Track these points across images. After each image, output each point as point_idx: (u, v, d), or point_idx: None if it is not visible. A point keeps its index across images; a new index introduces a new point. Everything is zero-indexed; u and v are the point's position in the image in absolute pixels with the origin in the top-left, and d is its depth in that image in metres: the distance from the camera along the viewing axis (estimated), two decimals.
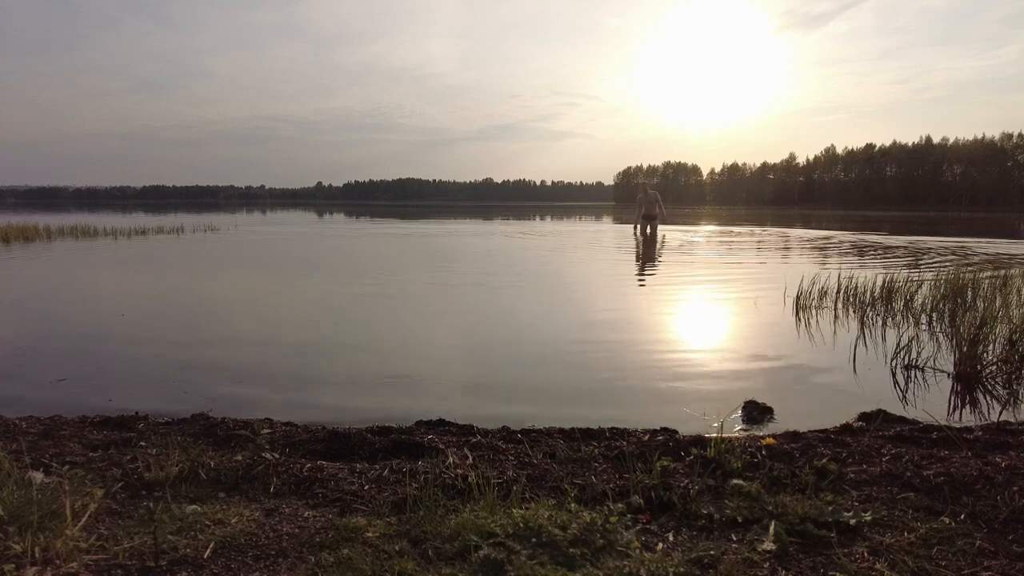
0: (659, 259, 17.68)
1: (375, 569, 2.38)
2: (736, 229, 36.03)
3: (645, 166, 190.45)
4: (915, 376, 5.78)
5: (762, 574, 2.36)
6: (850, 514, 2.75)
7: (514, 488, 3.07)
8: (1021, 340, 5.87)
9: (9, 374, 5.83)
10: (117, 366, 6.14)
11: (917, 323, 8.13)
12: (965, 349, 5.71)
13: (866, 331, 7.78)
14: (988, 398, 5.20)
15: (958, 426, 4.23)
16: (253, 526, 2.74)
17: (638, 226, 24.01)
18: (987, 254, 18.00)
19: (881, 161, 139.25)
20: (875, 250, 20.22)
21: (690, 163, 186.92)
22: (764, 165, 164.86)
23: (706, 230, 35.23)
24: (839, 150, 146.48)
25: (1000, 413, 4.76)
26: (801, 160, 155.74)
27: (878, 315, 8.65)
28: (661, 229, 24.89)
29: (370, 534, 2.65)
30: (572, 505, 2.83)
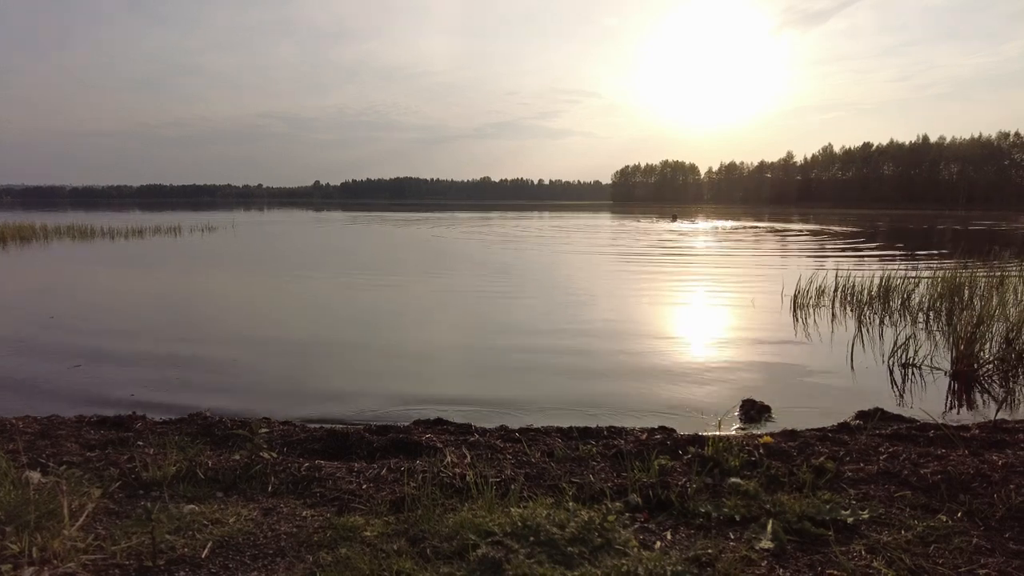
0: (657, 252, 17.71)
1: (373, 568, 2.38)
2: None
3: (643, 165, 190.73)
4: (912, 374, 5.80)
5: (760, 572, 2.36)
6: (847, 512, 2.76)
7: (512, 487, 3.07)
8: (1018, 338, 5.89)
9: (9, 371, 5.83)
10: (116, 364, 6.13)
11: (914, 322, 8.15)
12: (962, 347, 5.72)
13: (863, 330, 7.79)
14: (985, 396, 5.22)
15: (955, 424, 4.24)
16: (251, 525, 2.74)
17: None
18: None
19: (878, 160, 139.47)
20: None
21: (688, 162, 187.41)
22: (762, 164, 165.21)
23: (718, 225, 36.16)
24: (838, 149, 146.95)
25: (997, 411, 4.77)
26: (799, 159, 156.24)
27: (875, 314, 8.66)
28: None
29: (368, 533, 2.65)
30: (570, 504, 2.84)
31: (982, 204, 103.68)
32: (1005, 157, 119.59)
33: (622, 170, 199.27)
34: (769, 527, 2.63)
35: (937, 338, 7.19)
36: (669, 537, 2.66)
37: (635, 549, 2.48)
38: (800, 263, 15.60)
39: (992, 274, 10.64)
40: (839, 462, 3.41)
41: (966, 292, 8.95)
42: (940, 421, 4.23)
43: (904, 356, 6.12)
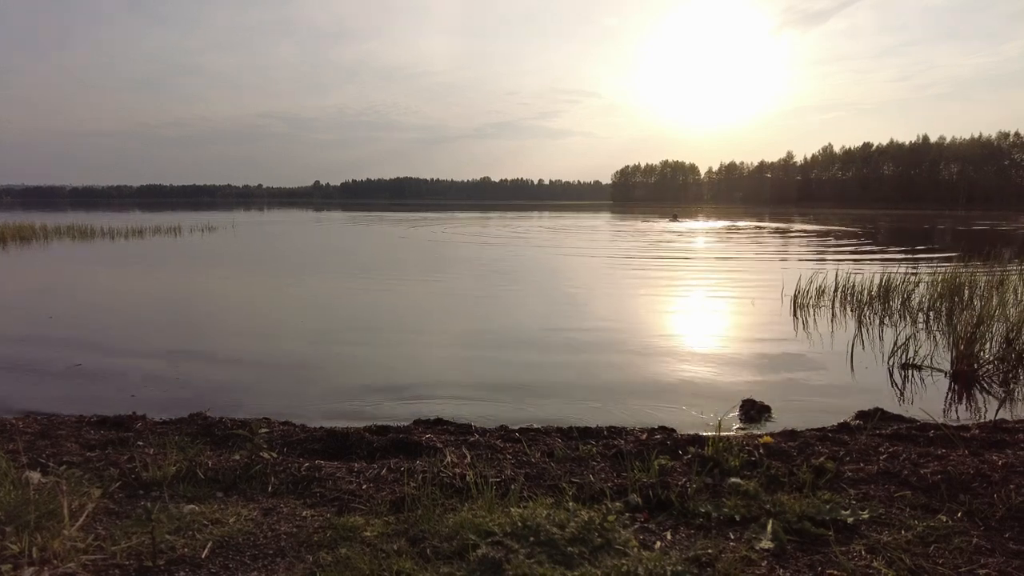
0: (658, 252, 17.72)
1: (373, 568, 2.37)
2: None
3: (643, 165, 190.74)
4: (912, 375, 5.79)
5: (760, 572, 2.36)
6: (847, 512, 2.76)
7: (512, 487, 3.07)
8: (1018, 338, 5.89)
9: (9, 371, 5.82)
10: (116, 364, 6.13)
11: (914, 322, 8.15)
12: (962, 347, 5.72)
13: (864, 330, 7.79)
14: (985, 396, 5.22)
15: (955, 424, 4.24)
16: (251, 525, 2.74)
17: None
18: None
19: (878, 160, 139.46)
20: None
21: (688, 162, 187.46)
22: (762, 164, 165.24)
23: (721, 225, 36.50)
24: (838, 149, 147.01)
25: (997, 411, 4.77)
26: (799, 159, 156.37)
27: (875, 314, 8.66)
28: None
29: (368, 533, 2.65)
30: (570, 504, 2.83)
31: (982, 204, 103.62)
32: (1005, 157, 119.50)
33: (622, 170, 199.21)
34: (769, 527, 2.63)
35: (937, 338, 7.19)
36: (669, 537, 2.66)
37: (635, 549, 2.48)
38: (800, 263, 15.60)
39: (992, 273, 10.64)
40: (839, 462, 3.41)
41: (966, 292, 8.95)
42: (940, 421, 4.23)
43: (904, 356, 6.12)
